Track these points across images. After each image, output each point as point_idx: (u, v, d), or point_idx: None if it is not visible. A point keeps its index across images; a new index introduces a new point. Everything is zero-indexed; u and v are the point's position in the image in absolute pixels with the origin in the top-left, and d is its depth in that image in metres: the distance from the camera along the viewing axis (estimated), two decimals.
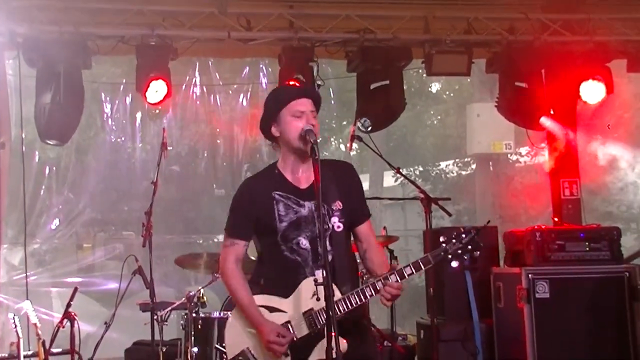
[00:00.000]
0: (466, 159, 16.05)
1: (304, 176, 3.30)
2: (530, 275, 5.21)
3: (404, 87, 6.48)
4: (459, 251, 3.20)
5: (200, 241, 12.76)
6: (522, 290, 5.19)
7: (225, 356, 3.41)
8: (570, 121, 6.43)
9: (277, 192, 3.27)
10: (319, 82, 6.25)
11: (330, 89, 12.32)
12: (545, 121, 6.18)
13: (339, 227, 3.23)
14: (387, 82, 6.30)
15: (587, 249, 5.32)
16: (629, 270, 5.24)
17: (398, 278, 3.13)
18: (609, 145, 9.63)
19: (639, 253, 8.42)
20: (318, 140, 3.14)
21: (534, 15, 6.24)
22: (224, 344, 3.46)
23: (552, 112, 6.20)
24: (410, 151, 17.05)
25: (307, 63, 6.14)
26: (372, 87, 6.33)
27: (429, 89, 17.16)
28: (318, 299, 3.11)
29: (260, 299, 3.31)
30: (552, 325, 5.15)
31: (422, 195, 5.05)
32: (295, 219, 3.25)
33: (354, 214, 3.32)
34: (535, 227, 5.50)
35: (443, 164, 17.02)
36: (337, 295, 3.11)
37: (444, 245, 3.22)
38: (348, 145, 5.60)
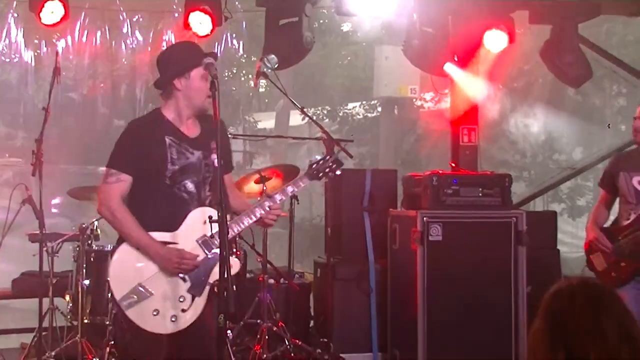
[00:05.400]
0: (373, 102, 16.20)
1: (192, 126, 3.57)
2: (425, 218, 5.35)
3: (315, 25, 6.39)
4: (326, 170, 3.73)
5: (100, 171, 12.36)
6: (416, 233, 5.33)
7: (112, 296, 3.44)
8: (473, 69, 6.53)
9: (169, 137, 3.49)
10: (226, 15, 6.09)
11: (244, 23, 12.00)
12: (449, 67, 6.26)
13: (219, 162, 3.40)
14: (296, 18, 6.20)
15: (480, 194, 5.50)
16: (516, 215, 5.47)
17: (272, 202, 3.57)
18: (508, 96, 9.93)
19: (528, 199, 8.88)
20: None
21: None
22: None
23: (455, 58, 6.28)
24: (319, 90, 17.02)
25: None
26: (280, 23, 6.22)
27: (340, 29, 17.06)
28: (207, 223, 3.33)
29: None
30: (443, 266, 5.34)
31: (324, 136, 5.04)
32: (186, 164, 3.49)
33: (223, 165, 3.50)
34: (433, 171, 5.62)
35: (351, 105, 17.11)
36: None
37: (313, 165, 3.72)
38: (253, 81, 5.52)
